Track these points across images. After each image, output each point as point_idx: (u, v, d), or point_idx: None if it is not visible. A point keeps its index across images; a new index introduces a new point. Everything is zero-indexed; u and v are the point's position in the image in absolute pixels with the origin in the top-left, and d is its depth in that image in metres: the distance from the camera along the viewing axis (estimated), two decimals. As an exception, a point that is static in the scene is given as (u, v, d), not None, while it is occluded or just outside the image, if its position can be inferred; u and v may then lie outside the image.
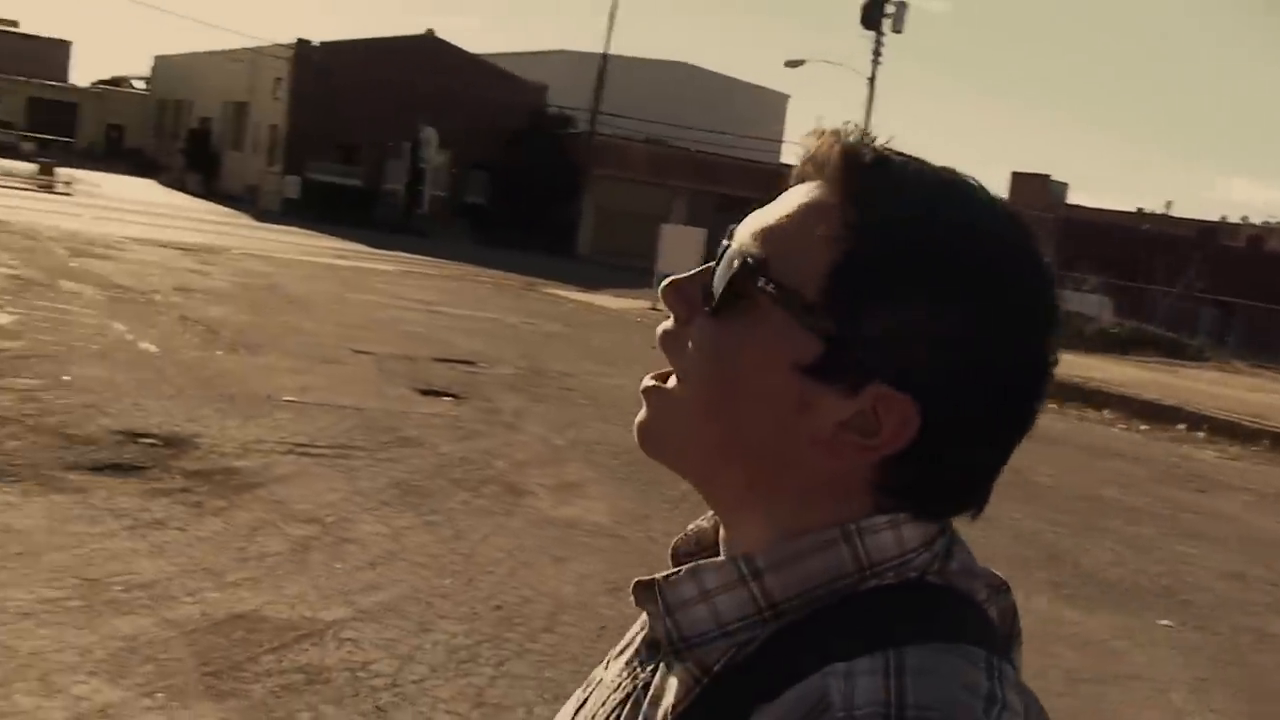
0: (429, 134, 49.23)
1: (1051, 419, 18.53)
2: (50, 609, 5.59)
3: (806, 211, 0.94)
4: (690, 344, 0.97)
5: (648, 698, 0.97)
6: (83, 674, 4.97)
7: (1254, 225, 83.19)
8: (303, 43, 52.15)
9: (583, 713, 1.03)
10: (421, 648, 5.73)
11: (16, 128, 68.47)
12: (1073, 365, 24.32)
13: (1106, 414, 19.61)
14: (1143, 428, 18.63)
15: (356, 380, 12.81)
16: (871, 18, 43.12)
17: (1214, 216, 73.74)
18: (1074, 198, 68.12)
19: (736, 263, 0.95)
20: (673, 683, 0.95)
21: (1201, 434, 18.34)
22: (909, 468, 0.92)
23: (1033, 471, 13.03)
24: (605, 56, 50.39)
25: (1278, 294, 45.16)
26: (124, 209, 36.97)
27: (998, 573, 0.99)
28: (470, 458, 9.86)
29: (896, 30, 43.33)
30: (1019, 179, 66.58)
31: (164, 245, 26.72)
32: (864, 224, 0.91)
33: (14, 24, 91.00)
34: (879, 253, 0.91)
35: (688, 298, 0.99)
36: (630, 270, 38.23)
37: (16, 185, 41.36)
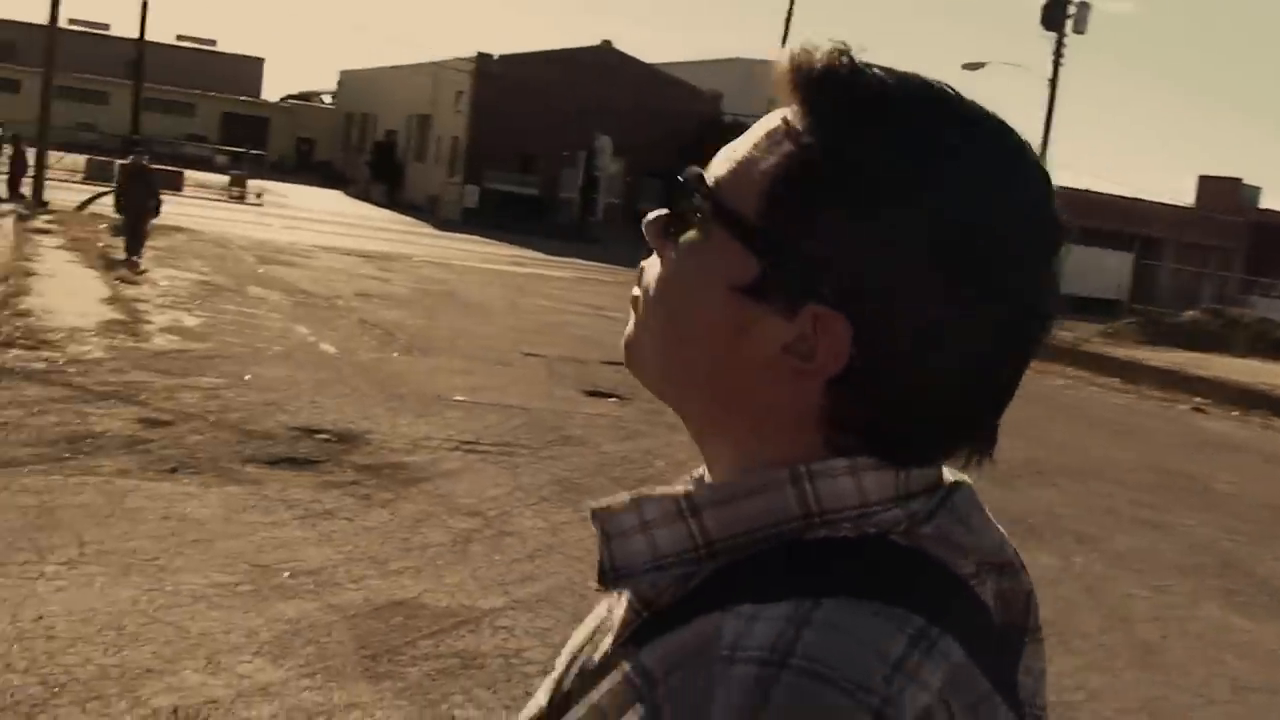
0: (604, 143, 49.82)
1: (1234, 426, 17.93)
2: (221, 593, 5.83)
3: (759, 131, 0.90)
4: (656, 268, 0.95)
5: (603, 627, 0.95)
6: (248, 654, 5.18)
7: None
8: (483, 56, 53.27)
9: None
10: (573, 637, 5.82)
11: (211, 141, 71.28)
12: (1259, 372, 23.47)
13: (1295, 422, 18.86)
14: (1333, 436, 17.87)
15: (525, 381, 13.04)
16: (1053, 18, 42.19)
17: None
18: (1268, 202, 65.37)
19: (679, 181, 0.93)
20: (619, 615, 0.92)
21: (1399, 444, 17.52)
22: (855, 399, 0.86)
23: (1212, 479, 12.64)
24: (780, 63, 50.28)
25: None
26: (311, 219, 38.23)
27: (1009, 553, 0.91)
28: (631, 457, 9.97)
29: (1078, 31, 42.33)
30: (1207, 183, 64.19)
31: (347, 253, 27.55)
32: (807, 140, 0.86)
33: (211, 42, 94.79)
34: (819, 170, 0.86)
35: (659, 230, 0.95)
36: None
37: (210, 197, 43.07)
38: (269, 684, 4.93)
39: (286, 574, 6.18)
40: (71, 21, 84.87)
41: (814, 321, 0.85)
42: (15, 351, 11.11)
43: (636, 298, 0.97)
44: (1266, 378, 22.38)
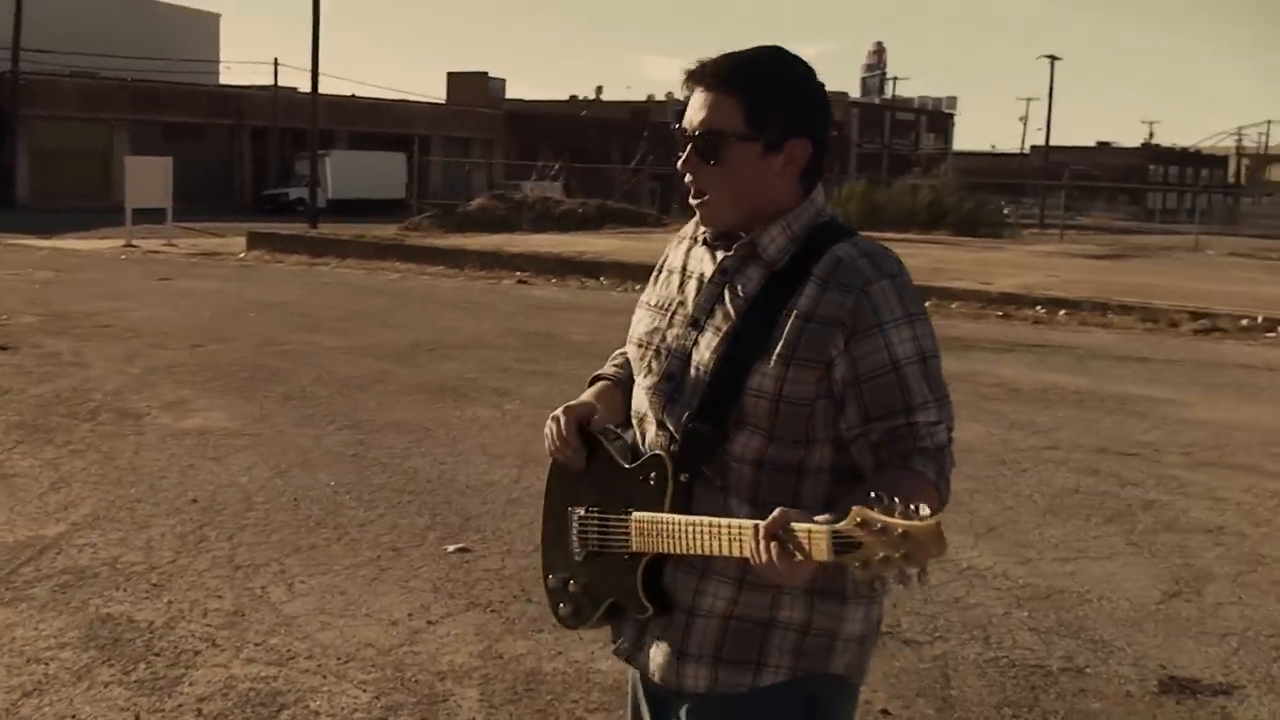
0: None
1: (558, 290, 20.25)
2: None
3: (709, 104, 2.20)
4: (709, 176, 2.21)
5: (730, 286, 2.18)
6: None
7: (679, 101, 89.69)
8: None
9: (678, 311, 2.26)
10: (154, 539, 6.32)
11: None
12: (558, 244, 26.21)
13: (603, 280, 21.58)
14: (638, 288, 20.66)
15: (-112, 347, 12.40)
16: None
17: (641, 96, 78.99)
18: (512, 92, 70.48)
19: (711, 135, 2.18)
20: (750, 277, 2.16)
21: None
22: (808, 167, 2.19)
23: (566, 334, 14.58)
24: (14, -10, 47.24)
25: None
26: None
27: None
28: (63, 395, 10.08)
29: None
30: (456, 79, 67.88)
31: None
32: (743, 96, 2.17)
33: None
34: (769, 103, 2.15)
35: (698, 159, 2.20)
36: (81, 212, 36.88)
37: None
38: (-89, 628, 5.11)
39: None
40: None
41: (792, 146, 2.17)
42: None
43: (702, 191, 2.21)
44: (567, 247, 25.13)
